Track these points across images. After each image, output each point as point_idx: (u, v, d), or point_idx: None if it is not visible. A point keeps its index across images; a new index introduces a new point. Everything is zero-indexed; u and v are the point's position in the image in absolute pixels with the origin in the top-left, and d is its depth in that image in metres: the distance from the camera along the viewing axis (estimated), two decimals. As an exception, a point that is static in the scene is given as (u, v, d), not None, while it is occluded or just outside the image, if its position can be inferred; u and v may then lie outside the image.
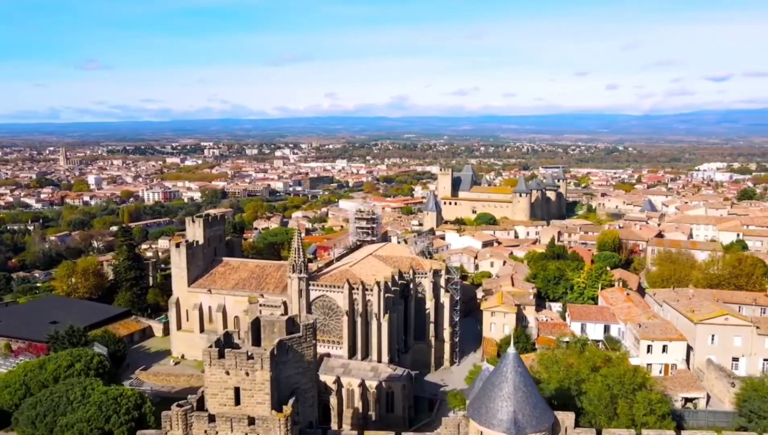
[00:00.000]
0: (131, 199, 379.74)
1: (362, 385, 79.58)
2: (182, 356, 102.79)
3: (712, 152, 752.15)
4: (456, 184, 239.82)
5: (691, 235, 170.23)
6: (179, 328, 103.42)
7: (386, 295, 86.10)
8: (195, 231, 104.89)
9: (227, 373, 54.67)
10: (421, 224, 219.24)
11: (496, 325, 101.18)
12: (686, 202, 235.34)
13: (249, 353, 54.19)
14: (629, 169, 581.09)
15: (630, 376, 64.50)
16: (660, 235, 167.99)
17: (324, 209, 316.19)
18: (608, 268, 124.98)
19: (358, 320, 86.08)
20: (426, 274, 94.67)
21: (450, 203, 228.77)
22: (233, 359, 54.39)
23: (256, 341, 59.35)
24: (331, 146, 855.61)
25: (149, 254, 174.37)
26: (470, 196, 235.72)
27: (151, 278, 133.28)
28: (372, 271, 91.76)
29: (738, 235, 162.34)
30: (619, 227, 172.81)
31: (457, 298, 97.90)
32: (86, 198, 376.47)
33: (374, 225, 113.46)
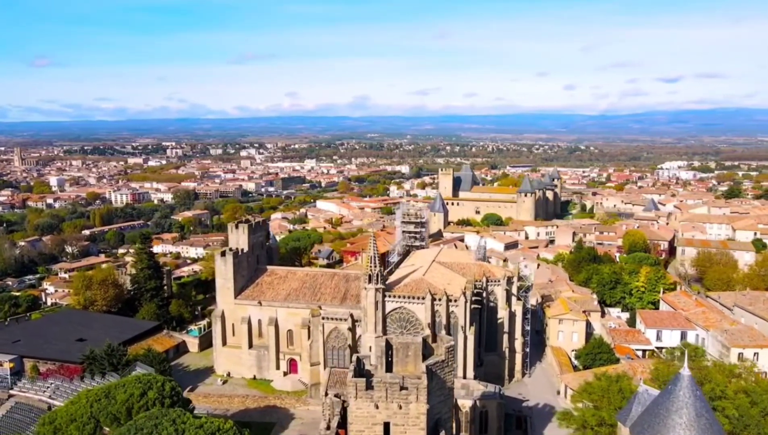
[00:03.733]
0: (98, 202, 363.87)
1: (455, 405, 73.29)
2: (228, 374, 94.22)
3: (668, 151, 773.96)
4: (456, 185, 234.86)
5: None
6: (224, 343, 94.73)
7: (471, 306, 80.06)
8: (239, 238, 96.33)
9: (376, 406, 47.98)
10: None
11: (565, 333, 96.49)
12: (682, 201, 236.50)
13: (402, 383, 47.53)
14: (596, 168, 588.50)
15: (775, 392, 60.38)
16: (674, 235, 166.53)
17: (302, 210, 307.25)
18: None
19: (441, 333, 79.49)
20: (499, 281, 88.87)
21: (452, 204, 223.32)
22: (383, 391, 47.72)
23: (388, 367, 52.62)
24: (296, 146, 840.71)
25: (128, 259, 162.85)
26: (472, 196, 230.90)
27: (166, 287, 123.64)
28: (444, 279, 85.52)
29: (755, 233, 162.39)
30: (637, 227, 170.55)
31: (529, 305, 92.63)
32: (50, 200, 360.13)
33: (422, 229, 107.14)
